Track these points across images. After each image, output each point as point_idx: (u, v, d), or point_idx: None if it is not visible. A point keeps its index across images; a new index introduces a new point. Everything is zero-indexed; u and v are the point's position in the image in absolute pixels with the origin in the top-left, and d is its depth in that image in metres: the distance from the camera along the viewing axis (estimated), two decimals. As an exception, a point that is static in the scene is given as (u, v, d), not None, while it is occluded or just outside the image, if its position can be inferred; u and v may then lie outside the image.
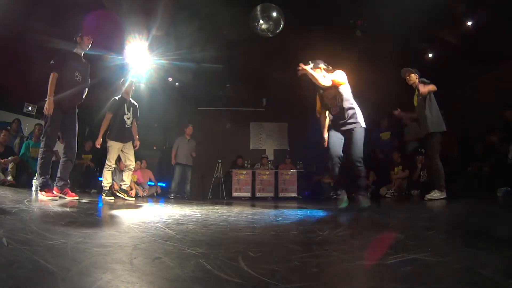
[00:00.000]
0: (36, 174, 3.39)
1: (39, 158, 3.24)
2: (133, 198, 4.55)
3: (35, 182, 3.79)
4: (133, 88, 4.41)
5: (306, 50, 5.86)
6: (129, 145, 4.16)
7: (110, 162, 4.05)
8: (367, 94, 7.29)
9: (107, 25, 4.68)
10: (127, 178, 4.20)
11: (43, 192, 3.10)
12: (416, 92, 3.88)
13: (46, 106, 3.16)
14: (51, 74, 3.21)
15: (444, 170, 3.67)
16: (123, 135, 4.10)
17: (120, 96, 4.22)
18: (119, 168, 5.08)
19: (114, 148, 4.02)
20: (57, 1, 4.49)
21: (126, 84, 4.28)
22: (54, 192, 3.21)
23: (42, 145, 3.23)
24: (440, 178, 3.65)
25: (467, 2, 4.75)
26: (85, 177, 6.01)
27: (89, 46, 3.49)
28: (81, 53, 3.48)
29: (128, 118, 4.14)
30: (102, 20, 4.49)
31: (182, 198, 6.07)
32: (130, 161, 4.16)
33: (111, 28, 4.81)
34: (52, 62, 3.25)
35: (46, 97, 3.17)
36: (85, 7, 4.39)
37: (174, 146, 6.67)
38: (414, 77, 3.98)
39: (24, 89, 5.84)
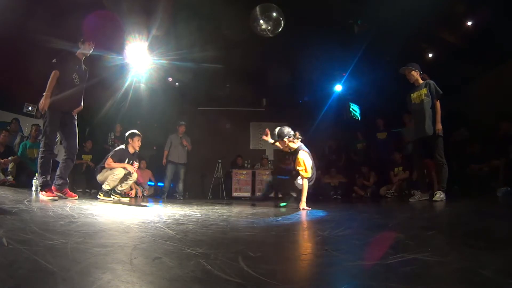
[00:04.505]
0: (36, 174, 3.39)
1: (39, 158, 3.24)
2: (128, 199, 4.53)
3: (35, 182, 3.79)
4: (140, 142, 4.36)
5: (306, 50, 5.88)
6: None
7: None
8: (366, 94, 7.34)
9: (107, 25, 4.68)
10: (125, 185, 4.19)
11: (43, 192, 3.10)
12: (424, 91, 3.78)
13: (42, 101, 3.17)
14: (53, 72, 3.23)
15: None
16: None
17: (125, 147, 4.22)
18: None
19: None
20: (57, 1, 4.49)
21: (134, 139, 4.24)
22: (53, 191, 3.21)
23: (41, 145, 3.24)
24: (444, 178, 3.62)
25: (467, 2, 4.75)
26: (85, 177, 6.01)
27: (91, 51, 3.56)
28: (83, 57, 3.55)
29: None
30: (102, 20, 4.49)
31: (174, 198, 5.99)
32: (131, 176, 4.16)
33: (111, 28, 4.82)
34: (54, 60, 3.29)
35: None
36: (85, 7, 4.40)
37: (166, 145, 6.49)
38: (415, 75, 3.93)
39: (24, 89, 5.84)
